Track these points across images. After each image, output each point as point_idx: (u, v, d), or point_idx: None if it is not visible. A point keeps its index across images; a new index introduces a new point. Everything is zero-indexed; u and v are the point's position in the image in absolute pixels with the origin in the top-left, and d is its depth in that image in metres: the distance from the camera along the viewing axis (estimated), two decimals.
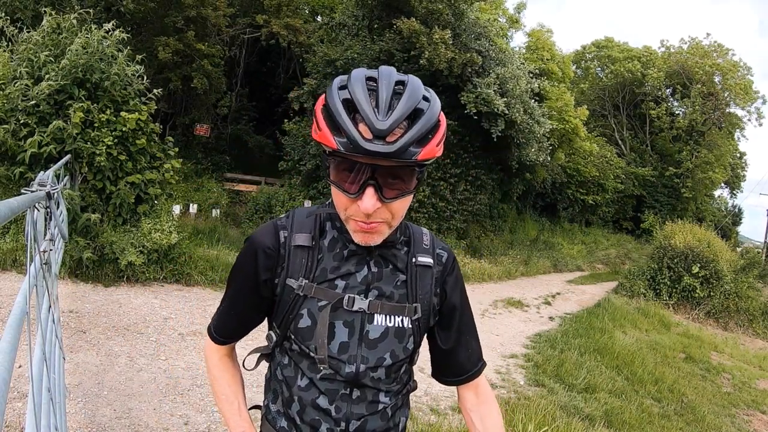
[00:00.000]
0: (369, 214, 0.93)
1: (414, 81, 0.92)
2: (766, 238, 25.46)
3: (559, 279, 15.35)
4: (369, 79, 0.91)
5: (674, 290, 13.45)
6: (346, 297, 1.03)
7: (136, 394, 3.76)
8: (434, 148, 0.91)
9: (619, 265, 20.41)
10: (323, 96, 0.94)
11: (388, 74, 0.91)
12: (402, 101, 0.88)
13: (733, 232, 34.62)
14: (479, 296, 10.33)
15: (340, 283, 1.04)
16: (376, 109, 0.87)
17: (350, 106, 0.88)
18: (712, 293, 13.25)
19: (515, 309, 9.75)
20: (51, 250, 2.56)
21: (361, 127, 0.86)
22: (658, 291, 13.55)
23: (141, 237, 6.71)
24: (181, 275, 7.03)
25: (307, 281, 1.03)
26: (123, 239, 6.60)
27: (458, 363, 1.19)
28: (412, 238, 1.12)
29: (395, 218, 0.99)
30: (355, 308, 1.03)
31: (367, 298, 1.04)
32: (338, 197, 0.97)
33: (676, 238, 13.81)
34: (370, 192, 0.90)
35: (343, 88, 0.91)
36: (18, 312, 1.25)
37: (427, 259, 1.11)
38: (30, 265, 1.65)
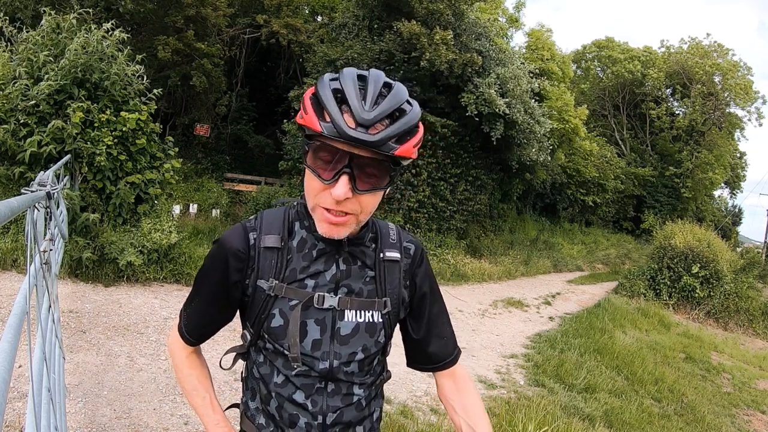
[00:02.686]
0: (339, 202, 0.95)
1: (399, 86, 0.98)
2: (766, 238, 25.48)
3: (559, 279, 15.35)
4: (359, 77, 0.96)
5: (674, 290, 13.45)
6: (316, 295, 1.05)
7: (136, 394, 3.76)
8: (411, 149, 0.96)
9: (619, 265, 20.40)
10: (313, 86, 0.98)
11: (377, 75, 0.97)
12: (387, 99, 0.94)
13: (733, 232, 34.62)
14: (479, 296, 10.33)
15: (310, 282, 1.06)
16: (363, 102, 0.91)
17: (339, 96, 0.93)
18: (712, 293, 13.25)
19: (515, 309, 9.75)
20: (51, 250, 2.56)
21: (346, 116, 0.91)
22: (658, 291, 13.55)
23: (141, 237, 6.71)
24: (181, 275, 7.02)
25: (277, 282, 1.05)
26: (123, 239, 6.60)
27: (432, 351, 1.21)
28: (379, 234, 1.15)
29: (364, 212, 1.01)
30: (325, 306, 1.06)
31: (336, 296, 1.07)
32: (311, 183, 0.99)
33: (676, 238, 13.81)
34: (344, 180, 0.93)
35: (334, 80, 0.95)
36: (18, 312, 1.26)
37: (394, 254, 1.14)
38: (30, 265, 1.65)
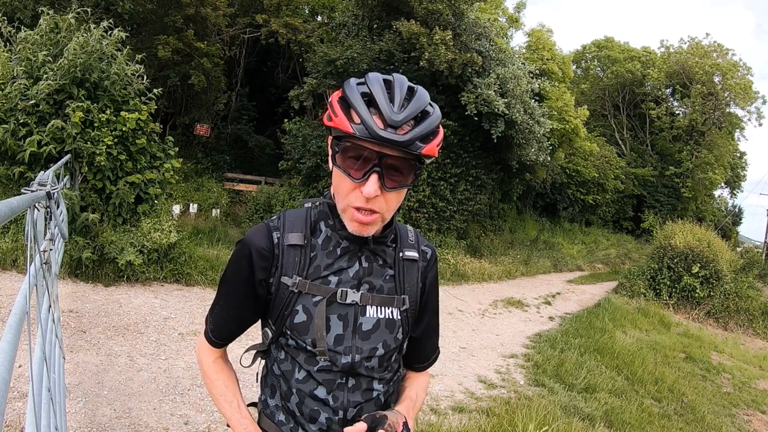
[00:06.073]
0: (369, 199, 1.00)
1: (422, 89, 1.04)
2: (766, 238, 25.47)
3: (559, 279, 15.35)
4: (385, 81, 1.02)
5: (674, 290, 13.44)
6: (339, 291, 1.09)
7: (136, 394, 3.75)
8: (434, 148, 1.02)
9: (619, 265, 20.40)
10: (340, 90, 1.04)
11: (402, 80, 1.03)
12: (413, 102, 1.00)
13: (733, 232, 34.58)
14: (479, 296, 10.33)
15: (333, 279, 1.10)
16: (391, 104, 0.97)
17: (367, 99, 0.98)
18: (712, 293, 13.24)
19: (515, 309, 9.75)
20: (51, 249, 2.56)
21: (376, 118, 0.97)
22: (658, 291, 13.55)
23: (140, 237, 6.70)
24: (181, 275, 7.02)
25: (300, 278, 1.09)
26: (122, 239, 6.60)
27: (424, 351, 1.28)
28: (398, 235, 1.20)
29: (389, 210, 1.06)
30: (348, 301, 1.09)
31: (359, 292, 1.10)
32: (342, 183, 1.03)
33: (676, 238, 13.80)
34: (374, 178, 0.98)
35: (360, 84, 1.01)
36: (18, 312, 1.25)
37: (413, 254, 1.19)
38: (30, 265, 1.65)
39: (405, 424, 1.08)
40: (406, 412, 1.14)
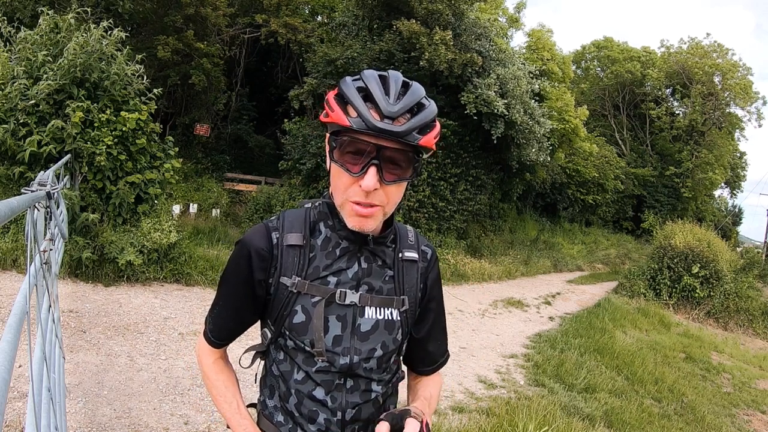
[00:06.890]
0: (368, 193, 0.99)
1: (416, 84, 1.05)
2: (766, 238, 25.46)
3: (559, 279, 15.35)
4: (380, 76, 1.02)
5: (674, 290, 13.45)
6: (338, 291, 1.08)
7: (136, 394, 3.75)
8: (431, 140, 1.02)
9: (619, 265, 20.40)
10: (336, 88, 1.04)
11: (396, 74, 1.04)
12: (408, 95, 1.00)
13: (733, 232, 34.60)
14: (479, 296, 10.33)
15: (332, 280, 1.09)
16: (387, 97, 0.98)
17: (363, 93, 0.99)
18: (712, 293, 13.25)
19: (515, 309, 9.75)
20: (51, 249, 2.56)
21: (372, 111, 0.97)
22: (658, 291, 13.55)
23: (140, 237, 6.70)
24: (181, 275, 7.02)
25: (300, 279, 1.08)
26: (122, 239, 6.60)
27: (428, 353, 1.26)
28: (398, 235, 1.19)
29: (389, 204, 1.05)
30: (347, 302, 1.08)
31: (357, 293, 1.09)
32: (340, 178, 1.03)
33: (676, 238, 13.80)
34: (372, 171, 0.98)
35: (356, 80, 1.02)
36: (18, 312, 1.25)
37: (412, 254, 1.18)
38: (30, 264, 1.65)
39: (427, 424, 1.05)
40: (422, 409, 1.11)
